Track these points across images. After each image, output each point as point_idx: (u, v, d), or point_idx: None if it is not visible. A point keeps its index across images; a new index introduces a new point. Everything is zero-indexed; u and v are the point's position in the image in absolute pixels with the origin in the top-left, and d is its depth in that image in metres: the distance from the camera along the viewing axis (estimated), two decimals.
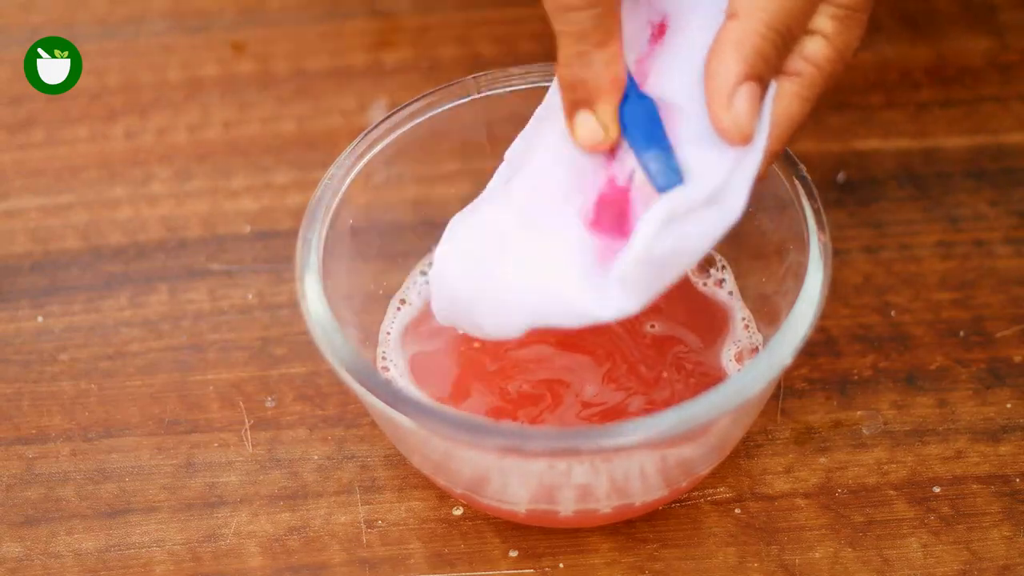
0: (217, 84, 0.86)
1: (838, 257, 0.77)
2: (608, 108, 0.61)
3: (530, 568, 0.69)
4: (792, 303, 0.63)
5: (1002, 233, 0.78)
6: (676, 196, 0.60)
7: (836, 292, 0.76)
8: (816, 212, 0.65)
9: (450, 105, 0.70)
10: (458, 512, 0.70)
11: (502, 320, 0.63)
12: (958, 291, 0.76)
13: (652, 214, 0.60)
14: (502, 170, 0.66)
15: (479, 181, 0.70)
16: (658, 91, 0.63)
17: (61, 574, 0.69)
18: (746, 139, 0.60)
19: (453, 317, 0.65)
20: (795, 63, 0.61)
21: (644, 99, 0.62)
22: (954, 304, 0.76)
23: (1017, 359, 0.74)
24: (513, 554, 0.69)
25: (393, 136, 0.70)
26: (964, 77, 0.84)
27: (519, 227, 0.63)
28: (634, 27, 0.64)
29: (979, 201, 0.79)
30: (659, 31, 0.64)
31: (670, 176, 0.61)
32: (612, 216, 0.62)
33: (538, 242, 0.63)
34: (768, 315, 0.70)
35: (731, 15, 0.60)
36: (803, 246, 0.65)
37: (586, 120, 0.62)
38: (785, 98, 0.61)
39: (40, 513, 0.71)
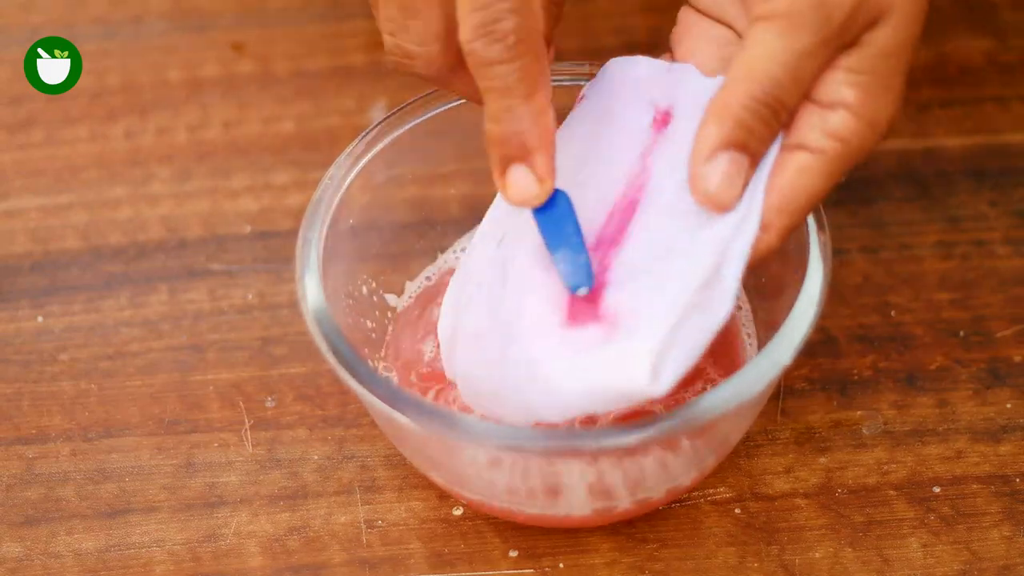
0: (217, 84, 0.86)
1: (838, 257, 0.77)
2: (543, 161, 0.59)
3: (530, 568, 0.69)
4: (792, 303, 0.63)
5: (1002, 233, 0.78)
6: (679, 284, 0.60)
7: (836, 292, 0.76)
8: (816, 212, 0.65)
9: (450, 105, 0.70)
10: (458, 512, 0.70)
11: (512, 414, 0.63)
12: (958, 291, 0.76)
13: (649, 347, 0.59)
14: (493, 217, 0.66)
15: (479, 181, 0.70)
16: (664, 182, 0.62)
17: (61, 574, 0.69)
18: (720, 206, 0.59)
19: (474, 401, 0.65)
20: (817, 138, 0.60)
21: (558, 192, 0.61)
22: (954, 304, 0.76)
23: (1017, 359, 0.74)
24: (513, 554, 0.69)
25: (393, 136, 0.70)
26: (964, 77, 0.84)
27: (506, 336, 0.62)
28: (636, 110, 0.64)
29: (979, 201, 0.79)
30: (664, 119, 0.63)
31: (579, 277, 0.60)
32: (586, 306, 0.61)
33: (521, 351, 0.62)
34: (768, 315, 0.70)
35: (723, 84, 0.59)
36: (803, 246, 0.65)
37: (520, 173, 0.59)
38: (804, 174, 0.60)
39: (40, 513, 0.71)
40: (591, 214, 0.63)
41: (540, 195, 0.60)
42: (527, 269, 0.62)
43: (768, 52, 0.58)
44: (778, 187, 0.60)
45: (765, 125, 0.59)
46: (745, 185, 0.60)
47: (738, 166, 0.59)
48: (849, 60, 0.59)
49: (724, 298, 0.60)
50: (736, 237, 0.60)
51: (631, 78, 0.65)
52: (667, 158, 0.62)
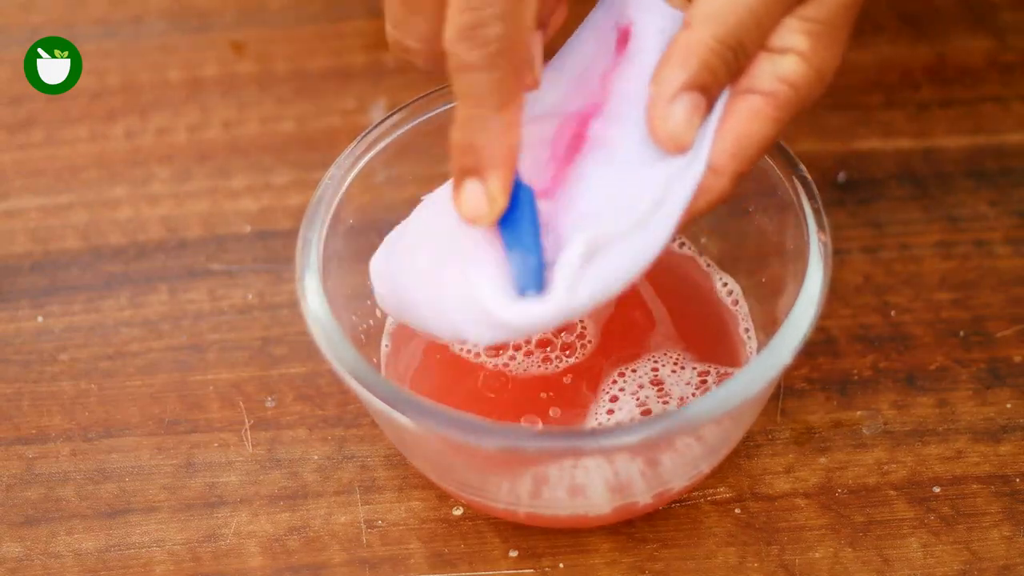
0: (217, 84, 0.86)
1: (838, 257, 0.77)
2: (499, 180, 0.59)
3: (530, 568, 0.69)
4: (792, 303, 0.63)
5: (1002, 233, 0.78)
6: (598, 228, 0.59)
7: (836, 292, 0.76)
8: (816, 212, 0.65)
9: (450, 105, 0.70)
10: (458, 512, 0.70)
11: (435, 323, 0.62)
12: (958, 291, 0.76)
13: (567, 258, 0.59)
14: None
15: None
16: (617, 106, 0.62)
17: (61, 574, 0.69)
18: (681, 148, 0.59)
19: (397, 313, 0.64)
20: (768, 82, 0.60)
21: (521, 188, 0.60)
22: (954, 304, 0.76)
23: (1017, 359, 0.74)
24: (513, 554, 0.69)
25: (393, 136, 0.70)
26: (964, 77, 0.84)
27: (445, 251, 0.62)
28: (604, 28, 0.64)
29: (979, 201, 0.79)
30: (623, 37, 0.63)
31: (528, 281, 0.59)
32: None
33: (460, 254, 0.61)
34: (768, 315, 0.70)
35: (685, 24, 0.59)
36: (803, 246, 0.65)
37: (474, 190, 0.59)
38: (756, 118, 0.60)
39: (40, 513, 0.71)
40: (548, 127, 0.63)
41: (489, 216, 0.59)
42: None
43: None
44: (730, 131, 0.60)
45: (727, 68, 0.59)
46: (702, 126, 0.60)
47: (698, 108, 0.59)
48: (806, 10, 0.60)
49: (659, 232, 0.60)
50: (681, 176, 0.60)
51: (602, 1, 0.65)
52: (623, 84, 0.62)
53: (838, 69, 0.61)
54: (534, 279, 0.59)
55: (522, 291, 0.59)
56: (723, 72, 0.59)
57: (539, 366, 0.70)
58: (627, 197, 0.60)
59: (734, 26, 0.59)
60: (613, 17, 0.64)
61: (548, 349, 0.70)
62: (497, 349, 0.70)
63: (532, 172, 0.62)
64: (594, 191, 0.61)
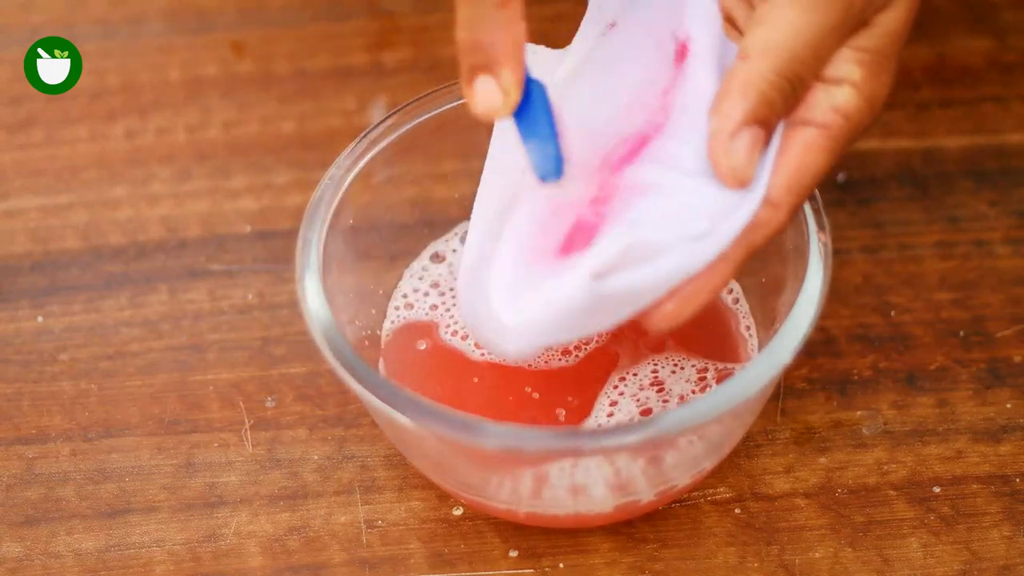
0: (217, 84, 0.86)
1: (838, 257, 0.77)
2: (509, 72, 0.58)
3: (530, 568, 0.69)
4: (792, 303, 0.63)
5: (1002, 233, 0.78)
6: (645, 235, 0.59)
7: (836, 292, 0.76)
8: (816, 212, 0.65)
9: (450, 105, 0.70)
10: (458, 512, 0.70)
11: (485, 344, 0.62)
12: (958, 291, 0.76)
13: (603, 246, 0.58)
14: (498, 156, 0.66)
15: (479, 181, 0.70)
16: (676, 124, 0.61)
17: (61, 574, 0.69)
18: (742, 184, 0.59)
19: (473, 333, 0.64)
20: (823, 114, 0.60)
21: (533, 82, 0.60)
22: (954, 304, 0.76)
23: (1017, 359, 0.74)
24: (513, 554, 0.69)
25: (393, 136, 0.70)
26: (964, 77, 0.84)
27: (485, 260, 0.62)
28: (662, 38, 0.63)
29: (979, 201, 0.79)
30: (682, 51, 0.62)
31: (548, 166, 0.59)
32: (582, 239, 0.61)
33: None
34: (768, 315, 0.70)
35: (742, 56, 0.59)
36: (803, 246, 0.65)
37: (486, 84, 0.59)
38: (811, 150, 0.60)
39: (40, 513, 0.71)
40: (604, 137, 0.62)
41: (504, 108, 0.59)
42: (536, 197, 0.62)
43: (793, 28, 0.59)
44: (786, 165, 0.60)
45: (784, 100, 0.59)
46: (762, 159, 0.60)
47: (758, 142, 0.59)
48: (859, 39, 0.60)
49: (704, 253, 0.59)
50: (737, 205, 0.59)
51: (657, 5, 0.64)
52: (682, 100, 0.62)
53: (887, 98, 0.62)
54: (554, 165, 0.59)
55: (544, 178, 0.59)
56: (781, 105, 0.59)
57: (536, 363, 0.70)
58: (680, 214, 0.59)
59: (792, 59, 0.59)
60: (670, 27, 0.63)
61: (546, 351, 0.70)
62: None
63: (583, 178, 0.61)
64: (647, 204, 0.60)
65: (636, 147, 0.62)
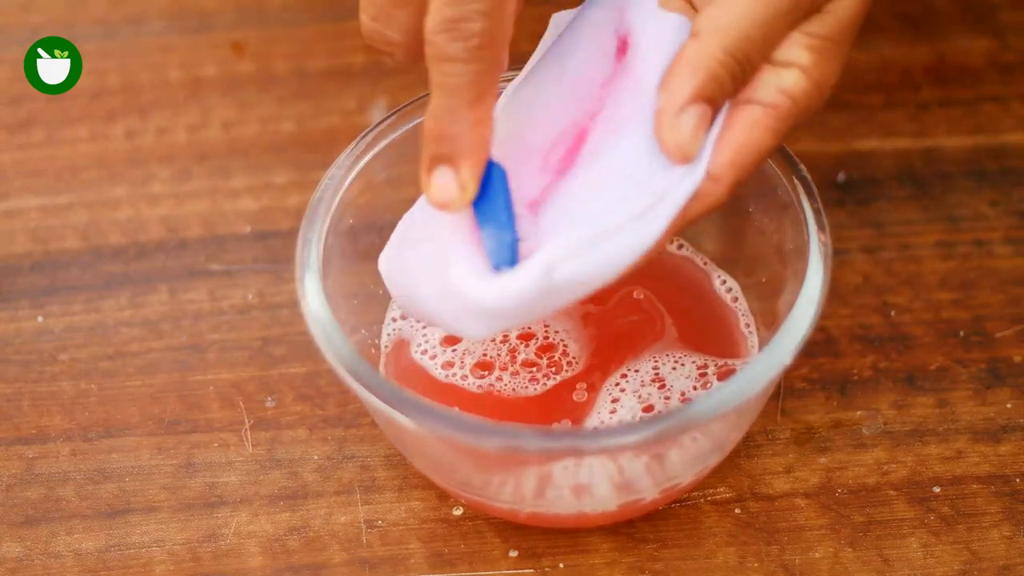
0: (217, 84, 0.86)
1: (838, 257, 0.77)
2: (469, 169, 0.59)
3: (530, 568, 0.69)
4: (792, 303, 0.63)
5: (1002, 233, 0.78)
6: (592, 227, 0.60)
7: (836, 292, 0.76)
8: (816, 212, 0.65)
9: None
10: (458, 512, 0.70)
11: (437, 318, 0.62)
12: (958, 291, 0.76)
13: (553, 244, 0.59)
14: None
15: None
16: (616, 115, 0.62)
17: (61, 574, 0.69)
18: (687, 159, 0.60)
19: (408, 311, 0.65)
20: (769, 94, 0.61)
21: (494, 167, 0.61)
22: (954, 304, 0.76)
23: (1017, 359, 0.74)
24: (513, 554, 0.69)
25: (393, 136, 0.70)
26: (964, 77, 0.84)
27: (434, 228, 0.62)
28: (604, 33, 0.64)
29: (979, 201, 0.79)
30: (623, 45, 0.63)
31: (503, 257, 0.60)
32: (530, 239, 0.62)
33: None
34: (768, 315, 0.70)
35: (693, 34, 0.60)
36: (803, 246, 0.65)
37: (443, 177, 0.60)
38: (756, 128, 0.61)
39: (40, 513, 0.71)
40: (542, 136, 0.63)
41: (459, 203, 0.60)
42: None
43: (744, 10, 0.60)
44: (731, 141, 0.60)
45: (733, 80, 0.60)
46: (707, 137, 0.60)
47: (704, 119, 0.60)
48: (810, 25, 0.61)
49: (651, 228, 0.60)
50: (680, 182, 0.60)
51: (600, 8, 0.65)
52: (622, 93, 0.63)
53: (837, 84, 0.62)
54: (509, 254, 0.60)
55: (497, 267, 0.60)
56: (729, 84, 0.60)
57: (527, 386, 0.70)
58: (623, 197, 0.60)
59: (742, 39, 0.60)
60: (612, 23, 0.64)
61: (536, 368, 0.70)
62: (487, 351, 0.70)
63: (522, 181, 0.62)
64: (590, 197, 0.61)
65: (576, 142, 0.63)
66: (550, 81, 0.64)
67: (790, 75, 0.61)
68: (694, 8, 0.63)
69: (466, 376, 0.70)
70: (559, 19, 0.66)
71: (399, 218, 0.70)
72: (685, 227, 0.61)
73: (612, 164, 0.61)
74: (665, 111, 0.60)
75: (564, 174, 0.62)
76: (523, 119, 0.63)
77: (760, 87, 0.61)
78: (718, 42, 0.59)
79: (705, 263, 0.73)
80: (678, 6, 0.63)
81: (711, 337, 0.71)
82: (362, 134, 0.69)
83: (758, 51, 0.60)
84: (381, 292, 0.73)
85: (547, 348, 0.70)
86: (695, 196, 0.60)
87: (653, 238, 0.60)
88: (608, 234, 0.60)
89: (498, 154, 0.62)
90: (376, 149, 0.69)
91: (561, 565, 0.68)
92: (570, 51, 0.64)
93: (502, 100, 0.64)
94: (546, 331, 0.71)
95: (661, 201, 0.60)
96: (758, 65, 0.61)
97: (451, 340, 0.71)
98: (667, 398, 0.69)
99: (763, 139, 0.61)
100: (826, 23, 0.61)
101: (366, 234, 0.70)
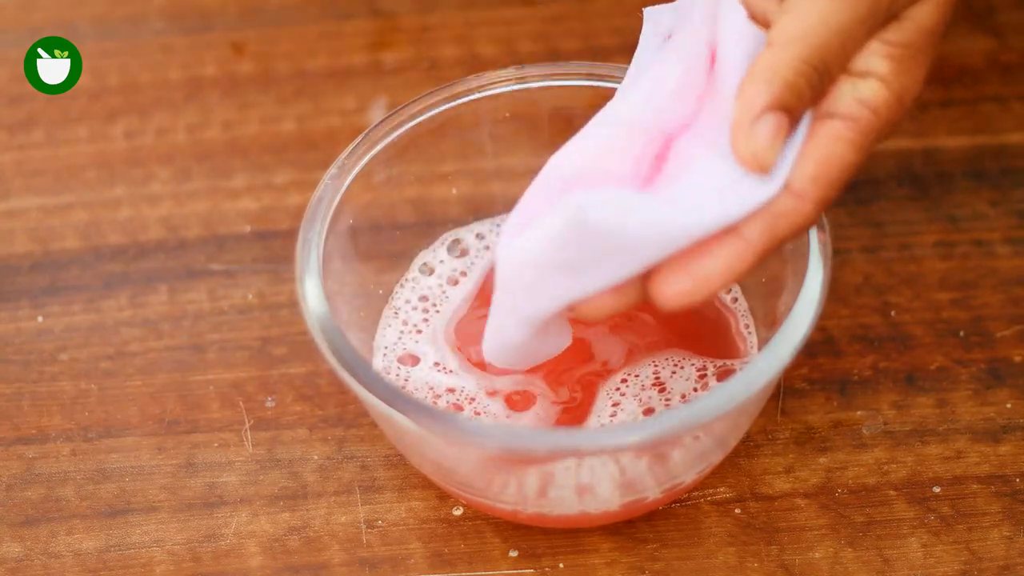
0: (217, 84, 0.86)
1: (838, 257, 0.77)
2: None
3: (530, 568, 0.69)
4: (792, 303, 0.63)
5: (1002, 233, 0.78)
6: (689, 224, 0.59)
7: (836, 292, 0.76)
8: None
9: (450, 105, 0.70)
10: (458, 512, 0.70)
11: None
12: (958, 291, 0.76)
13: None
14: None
15: (479, 181, 0.70)
16: (702, 126, 0.62)
17: (61, 574, 0.69)
18: (762, 168, 0.58)
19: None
20: (849, 106, 0.59)
21: None
22: (954, 304, 0.76)
23: (1017, 359, 0.74)
24: (513, 554, 0.69)
25: (393, 136, 0.70)
26: (964, 77, 0.84)
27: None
28: (699, 45, 0.63)
29: (979, 201, 0.79)
30: (712, 57, 0.62)
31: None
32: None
33: None
34: (768, 315, 0.70)
35: (768, 44, 0.59)
36: (803, 246, 0.65)
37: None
38: (837, 142, 0.59)
39: (40, 513, 0.71)
40: (634, 147, 0.62)
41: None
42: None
43: (820, 17, 0.59)
44: (811, 155, 0.59)
45: (811, 89, 0.59)
46: (784, 148, 0.59)
47: (781, 128, 0.59)
48: (888, 33, 0.60)
49: (698, 218, 0.58)
50: (755, 191, 0.59)
51: (701, 14, 0.64)
52: (706, 104, 0.62)
53: (919, 94, 0.61)
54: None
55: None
56: (807, 93, 0.59)
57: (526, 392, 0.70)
58: (693, 197, 0.59)
59: (819, 47, 0.58)
60: (706, 36, 0.63)
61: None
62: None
63: (612, 185, 0.61)
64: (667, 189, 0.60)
65: (663, 151, 0.62)
66: (656, 88, 0.63)
67: (868, 86, 0.60)
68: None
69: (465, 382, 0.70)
70: (652, 15, 0.65)
71: (399, 218, 0.70)
72: (775, 247, 0.59)
73: (691, 177, 0.60)
74: (740, 121, 0.59)
75: (650, 183, 0.61)
76: (625, 121, 0.62)
77: (839, 99, 0.60)
78: (795, 51, 0.58)
79: None
80: (760, 23, 0.62)
81: (710, 337, 0.71)
82: (362, 134, 0.70)
83: (835, 59, 0.59)
84: (381, 292, 0.73)
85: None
86: (777, 212, 0.59)
87: (701, 225, 0.58)
88: (656, 205, 0.58)
89: (596, 159, 0.61)
90: (376, 149, 0.70)
91: (561, 565, 0.68)
92: (675, 61, 0.63)
93: (610, 105, 0.63)
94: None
95: (727, 201, 0.58)
96: (836, 75, 0.59)
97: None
98: (667, 400, 0.69)
99: (845, 153, 0.59)
100: (906, 30, 0.60)
101: (366, 234, 0.70)
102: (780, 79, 0.58)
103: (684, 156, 0.61)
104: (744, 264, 0.59)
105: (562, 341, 0.66)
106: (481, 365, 0.70)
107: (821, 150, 0.59)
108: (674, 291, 0.59)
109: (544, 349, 0.65)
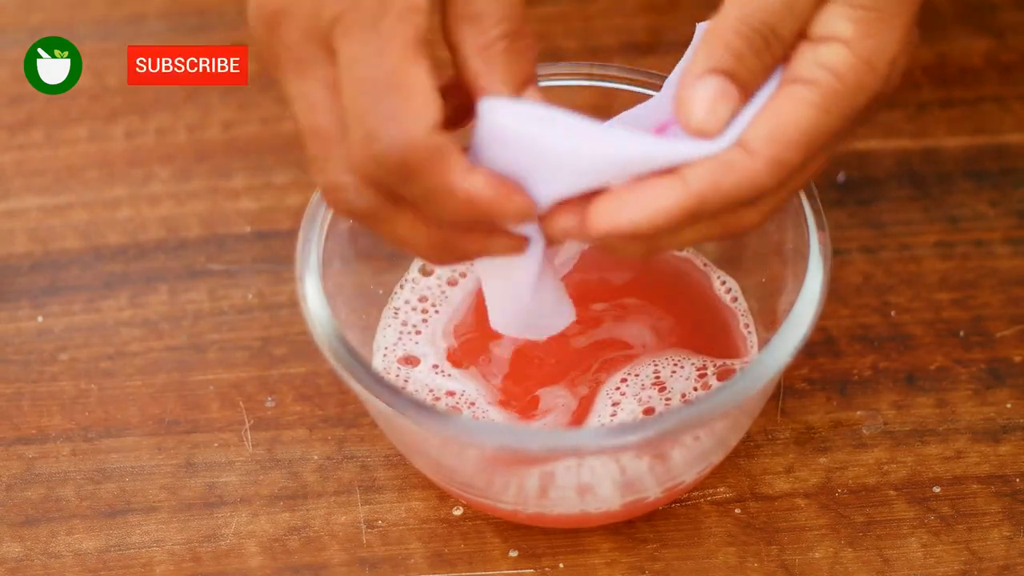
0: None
1: (838, 257, 0.77)
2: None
3: (530, 568, 0.69)
4: (792, 303, 0.63)
5: (1002, 233, 0.78)
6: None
7: (836, 292, 0.76)
8: (816, 212, 0.65)
9: None
10: (458, 512, 0.70)
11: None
12: (958, 291, 0.76)
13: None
14: None
15: None
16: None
17: (61, 574, 0.69)
18: (703, 132, 0.57)
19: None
20: (809, 70, 0.57)
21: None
22: (954, 304, 0.76)
23: (1017, 359, 0.74)
24: (513, 554, 0.69)
25: None
26: (964, 77, 0.84)
27: None
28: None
29: (979, 201, 0.79)
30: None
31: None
32: None
33: None
34: (768, 315, 0.70)
35: (719, 10, 0.58)
36: (803, 246, 0.65)
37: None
38: (797, 104, 0.57)
39: (40, 513, 0.71)
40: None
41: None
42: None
43: None
44: (767, 115, 0.57)
45: (755, 54, 0.57)
46: (732, 116, 0.57)
47: (724, 93, 0.57)
48: None
49: (652, 150, 0.57)
50: (709, 145, 0.57)
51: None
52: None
53: (901, 62, 0.59)
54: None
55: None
56: (751, 57, 0.57)
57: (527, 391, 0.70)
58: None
59: (760, 8, 0.57)
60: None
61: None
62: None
63: None
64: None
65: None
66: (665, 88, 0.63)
67: (829, 49, 0.57)
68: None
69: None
70: (701, 28, 0.63)
71: None
72: (718, 201, 0.57)
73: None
74: (681, 83, 0.57)
75: None
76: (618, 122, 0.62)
77: (799, 64, 0.58)
78: (736, 13, 0.57)
79: (705, 264, 0.73)
80: None
81: (711, 337, 0.71)
82: None
83: (782, 22, 0.57)
84: (381, 292, 0.73)
85: (547, 350, 0.70)
86: (726, 165, 0.57)
87: (644, 158, 0.57)
88: (613, 135, 0.58)
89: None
90: None
91: (561, 565, 0.68)
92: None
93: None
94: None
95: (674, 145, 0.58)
96: (788, 38, 0.58)
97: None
98: (668, 399, 0.69)
99: (805, 115, 0.57)
100: None
101: (366, 234, 0.70)
102: (720, 42, 0.57)
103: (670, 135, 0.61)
104: (678, 206, 0.56)
105: (564, 312, 0.64)
106: (482, 372, 0.70)
107: (778, 111, 0.57)
108: (604, 218, 0.57)
109: (547, 319, 0.64)
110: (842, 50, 0.57)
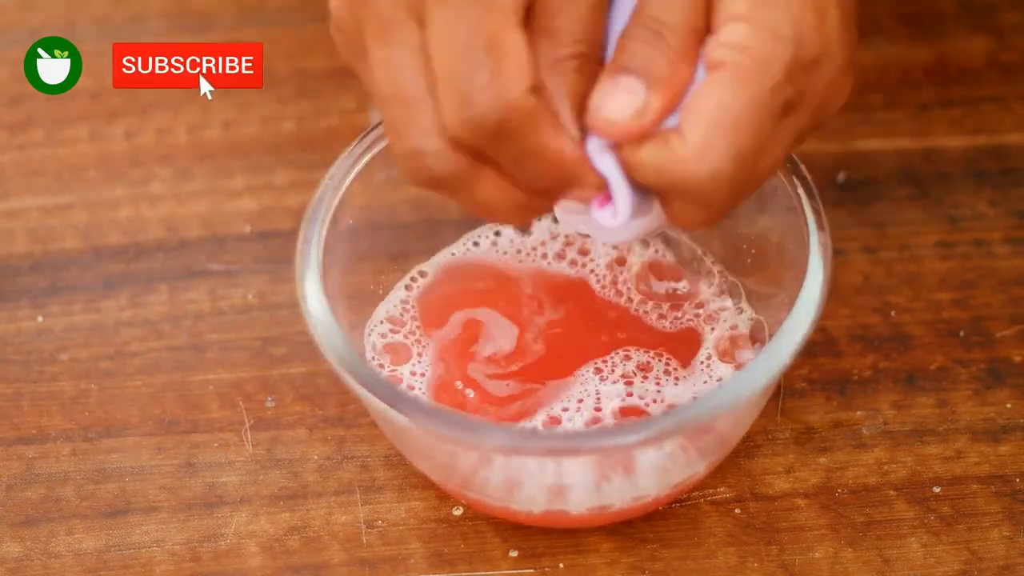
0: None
1: (838, 257, 0.77)
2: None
3: (530, 568, 0.69)
4: (792, 303, 0.63)
5: (1002, 233, 0.78)
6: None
7: (836, 292, 0.76)
8: (816, 212, 0.65)
9: None
10: (458, 512, 0.70)
11: None
12: (958, 291, 0.76)
13: None
14: None
15: None
16: None
17: (61, 574, 0.69)
18: (604, 131, 0.58)
19: None
20: (717, 53, 0.58)
21: None
22: (954, 304, 0.76)
23: (1017, 359, 0.74)
24: (513, 554, 0.69)
25: None
26: (964, 77, 0.84)
27: None
28: None
29: (979, 201, 0.79)
30: None
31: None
32: None
33: None
34: (768, 315, 0.70)
35: None
36: (803, 246, 0.65)
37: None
38: (710, 87, 0.57)
39: (40, 513, 0.71)
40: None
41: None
42: None
43: None
44: (688, 104, 0.58)
45: (648, 45, 0.58)
46: (645, 112, 0.58)
47: (618, 88, 0.58)
48: None
49: None
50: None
51: None
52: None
53: (802, 22, 0.58)
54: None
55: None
56: (646, 50, 0.58)
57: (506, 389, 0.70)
58: None
59: (645, 3, 0.58)
60: None
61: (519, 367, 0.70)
62: None
63: None
64: None
65: None
66: None
67: (730, 28, 0.58)
68: None
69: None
70: None
71: (399, 218, 0.70)
72: (654, 180, 0.58)
73: None
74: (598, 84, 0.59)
75: None
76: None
77: (708, 50, 0.58)
78: (629, 15, 0.58)
79: (704, 263, 0.73)
80: None
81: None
82: (362, 134, 0.69)
83: (666, 11, 0.58)
84: (381, 292, 0.73)
85: (547, 344, 0.70)
86: (655, 139, 0.58)
87: None
88: None
89: None
90: (376, 149, 0.69)
91: (561, 565, 0.68)
92: None
93: None
94: (541, 332, 0.70)
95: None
96: (682, 28, 0.58)
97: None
98: (660, 396, 0.69)
99: (722, 94, 0.57)
100: None
101: (366, 234, 0.70)
102: (619, 44, 0.58)
103: None
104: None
105: (654, 213, 0.62)
106: (471, 369, 0.70)
107: (697, 92, 0.58)
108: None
109: (641, 222, 0.63)
110: (741, 26, 0.58)
